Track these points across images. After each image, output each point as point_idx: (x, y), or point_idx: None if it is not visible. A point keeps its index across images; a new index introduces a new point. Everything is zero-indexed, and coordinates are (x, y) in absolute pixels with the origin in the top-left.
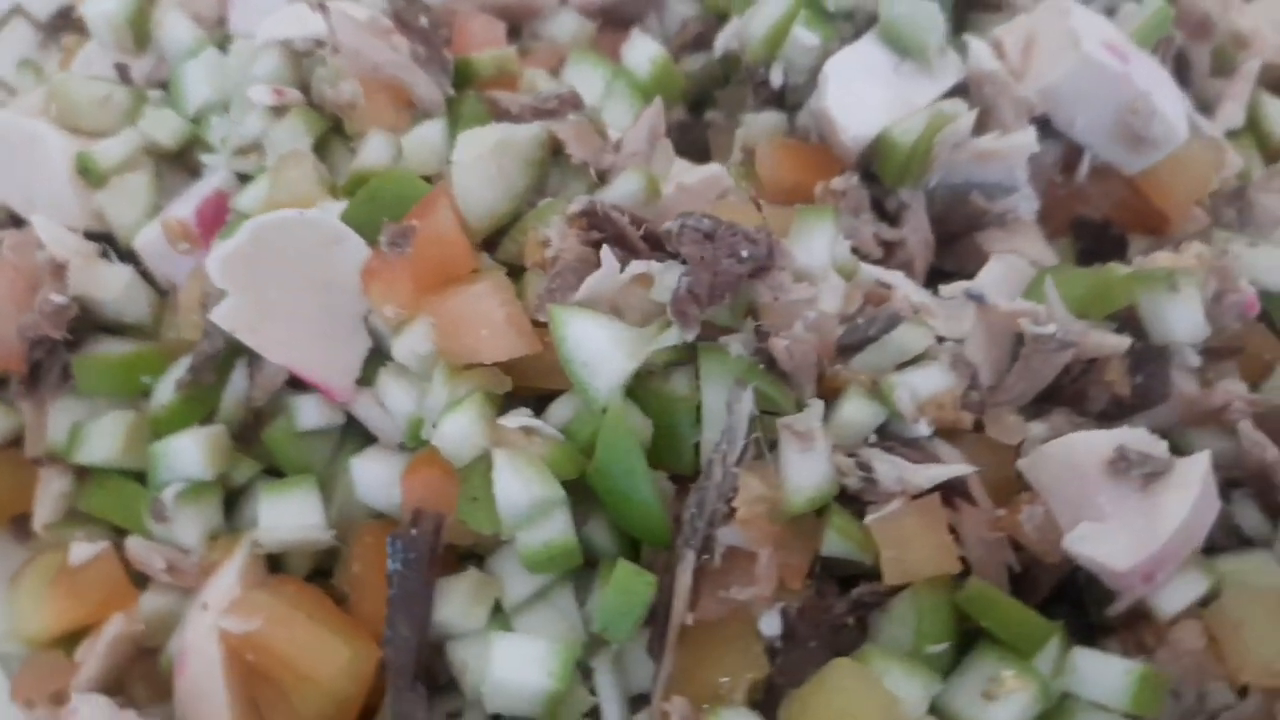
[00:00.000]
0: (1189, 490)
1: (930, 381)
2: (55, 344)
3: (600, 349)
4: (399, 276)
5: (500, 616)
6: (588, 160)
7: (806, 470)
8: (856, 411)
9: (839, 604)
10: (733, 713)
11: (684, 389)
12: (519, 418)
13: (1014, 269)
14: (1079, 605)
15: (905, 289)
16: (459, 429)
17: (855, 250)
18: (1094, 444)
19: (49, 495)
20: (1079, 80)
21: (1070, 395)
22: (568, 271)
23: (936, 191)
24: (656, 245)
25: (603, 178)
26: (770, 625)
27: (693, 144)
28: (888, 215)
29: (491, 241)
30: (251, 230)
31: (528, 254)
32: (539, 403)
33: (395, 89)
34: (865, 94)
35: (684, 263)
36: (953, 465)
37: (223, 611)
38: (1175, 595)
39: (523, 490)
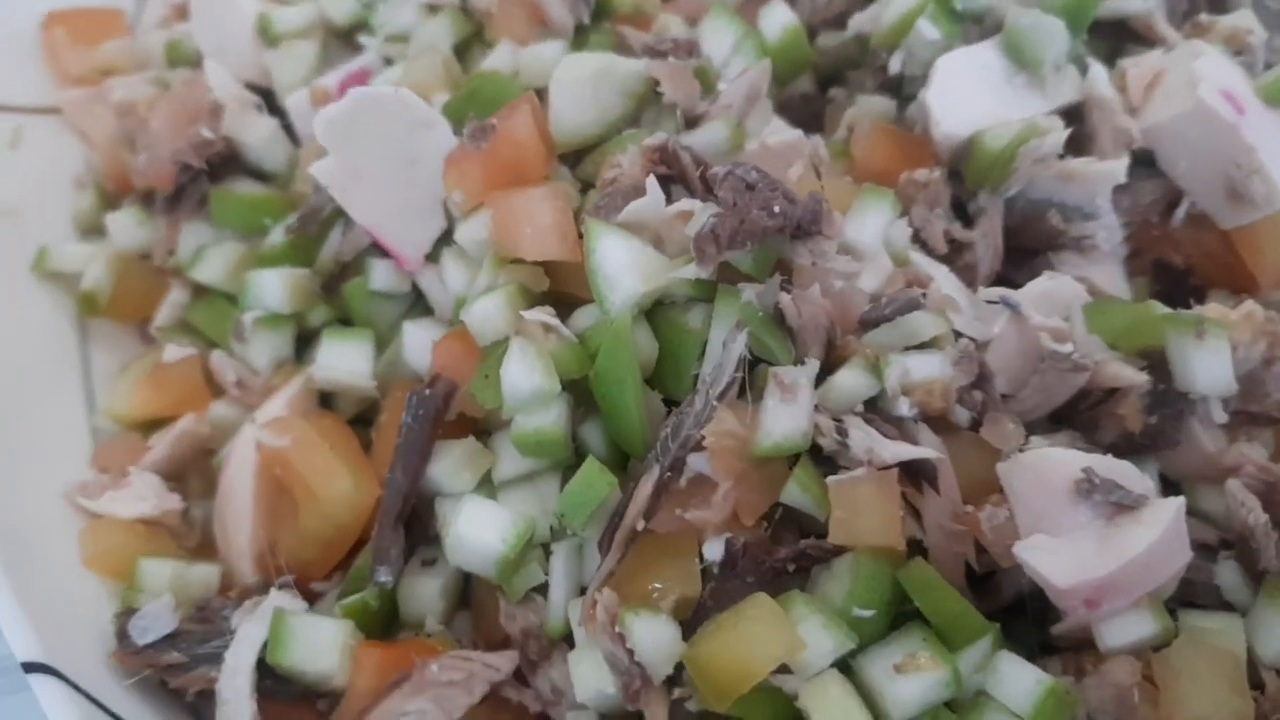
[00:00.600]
0: (1151, 530)
1: (925, 367)
2: (199, 173)
3: (622, 266)
4: (473, 167)
5: (488, 487)
6: (679, 102)
7: (781, 419)
8: (850, 380)
9: (784, 550)
10: (652, 617)
11: (696, 323)
12: (542, 314)
13: (1065, 289)
14: (1042, 623)
15: (944, 282)
16: (486, 311)
17: (922, 242)
18: (1066, 461)
19: (168, 303)
20: (1188, 123)
21: (1083, 421)
22: (619, 194)
23: (1016, 203)
24: (710, 188)
25: (693, 123)
26: (713, 551)
27: (815, 116)
28: (966, 216)
29: (580, 158)
30: (354, 99)
31: (599, 174)
32: (570, 310)
33: (532, 6)
34: (970, 94)
35: (720, 205)
36: (919, 448)
37: (263, 425)
38: (1120, 630)
39: (527, 377)
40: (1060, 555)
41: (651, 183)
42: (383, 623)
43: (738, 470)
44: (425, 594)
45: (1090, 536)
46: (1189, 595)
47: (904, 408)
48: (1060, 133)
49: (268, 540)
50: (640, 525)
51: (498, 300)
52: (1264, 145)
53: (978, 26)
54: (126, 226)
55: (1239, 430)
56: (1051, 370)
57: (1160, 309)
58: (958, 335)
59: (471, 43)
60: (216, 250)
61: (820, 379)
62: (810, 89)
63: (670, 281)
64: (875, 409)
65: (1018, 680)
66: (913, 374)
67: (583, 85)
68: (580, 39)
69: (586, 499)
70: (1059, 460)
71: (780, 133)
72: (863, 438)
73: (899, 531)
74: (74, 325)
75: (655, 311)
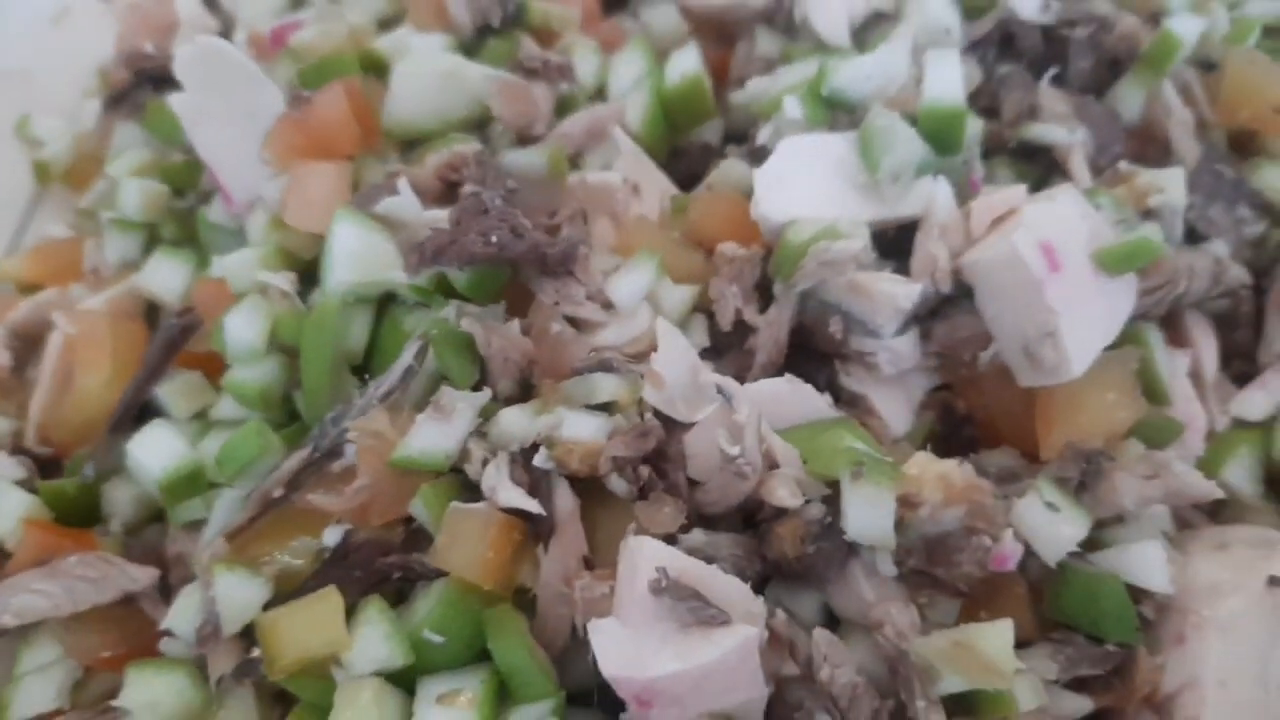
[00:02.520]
0: (712, 650)
1: (578, 428)
2: (142, 81)
3: (349, 254)
4: (287, 133)
5: (204, 423)
6: (505, 119)
7: (424, 435)
8: (512, 419)
9: (394, 557)
10: (245, 576)
11: (410, 325)
12: (280, 278)
13: (791, 394)
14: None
15: (672, 356)
16: (243, 261)
17: (711, 315)
18: (656, 556)
19: (93, 190)
20: (1000, 268)
21: (761, 531)
22: (384, 189)
23: (809, 301)
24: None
25: (526, 142)
26: (331, 536)
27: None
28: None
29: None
30: (204, 46)
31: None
32: None
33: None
34: (803, 182)
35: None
36: (527, 500)
37: (66, 311)
38: None
39: (243, 331)
40: (622, 644)
41: (403, 183)
42: (81, 513)
43: (378, 470)
44: (119, 498)
45: (658, 636)
46: None
47: (542, 459)
48: (858, 241)
49: (50, 412)
50: (278, 493)
51: (254, 255)
52: (1070, 310)
53: (849, 118)
54: (91, 113)
55: (919, 591)
56: (724, 470)
57: (845, 438)
58: (657, 413)
59: (390, 21)
60: (133, 153)
61: None
62: (715, 140)
63: (382, 280)
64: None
65: None
66: (563, 431)
67: (425, 81)
68: (480, 41)
69: (237, 455)
70: (651, 552)
71: (599, 174)
72: (493, 474)
73: (488, 572)
74: (30, 190)
75: (386, 304)
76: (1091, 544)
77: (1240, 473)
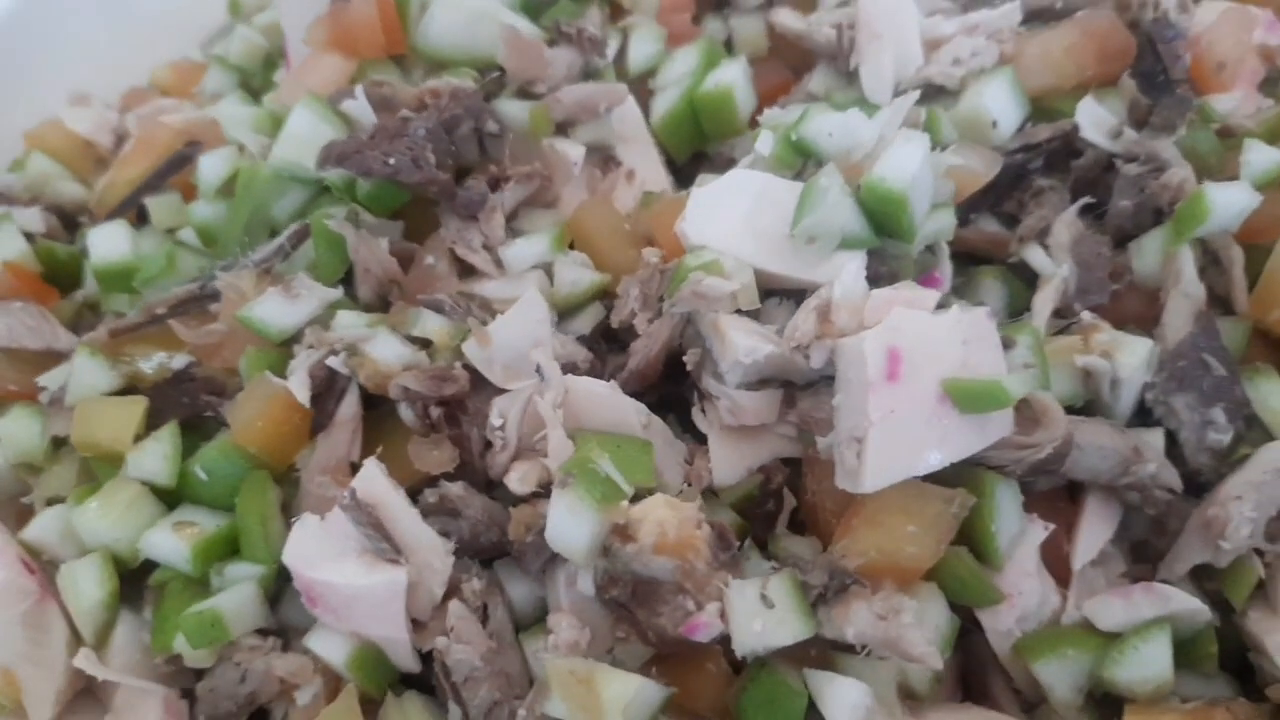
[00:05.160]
0: (365, 579)
1: (385, 349)
2: None
3: (294, 134)
4: (325, 24)
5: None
6: (507, 69)
7: (268, 306)
8: (347, 323)
9: (214, 398)
10: (104, 362)
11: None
12: (250, 137)
13: (610, 401)
14: None
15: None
16: (236, 114)
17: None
18: (363, 476)
19: None
20: (848, 361)
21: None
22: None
23: (689, 328)
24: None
25: (524, 95)
26: (178, 361)
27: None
28: None
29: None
30: None
31: None
32: None
33: None
34: (726, 212)
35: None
36: (300, 388)
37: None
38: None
39: (211, 170)
40: (308, 541)
41: (359, 89)
42: (63, 276)
43: (232, 322)
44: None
45: (338, 547)
46: None
47: (336, 362)
48: (735, 284)
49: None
50: (160, 310)
51: (246, 113)
52: (889, 425)
53: (817, 170)
54: None
55: (619, 624)
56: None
57: (601, 454)
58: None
59: None
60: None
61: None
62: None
63: (301, 166)
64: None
65: None
66: (367, 346)
67: (458, 14)
68: None
69: (149, 269)
70: (365, 474)
71: (564, 145)
72: (300, 360)
73: (255, 438)
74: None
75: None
76: (824, 662)
77: (1059, 675)
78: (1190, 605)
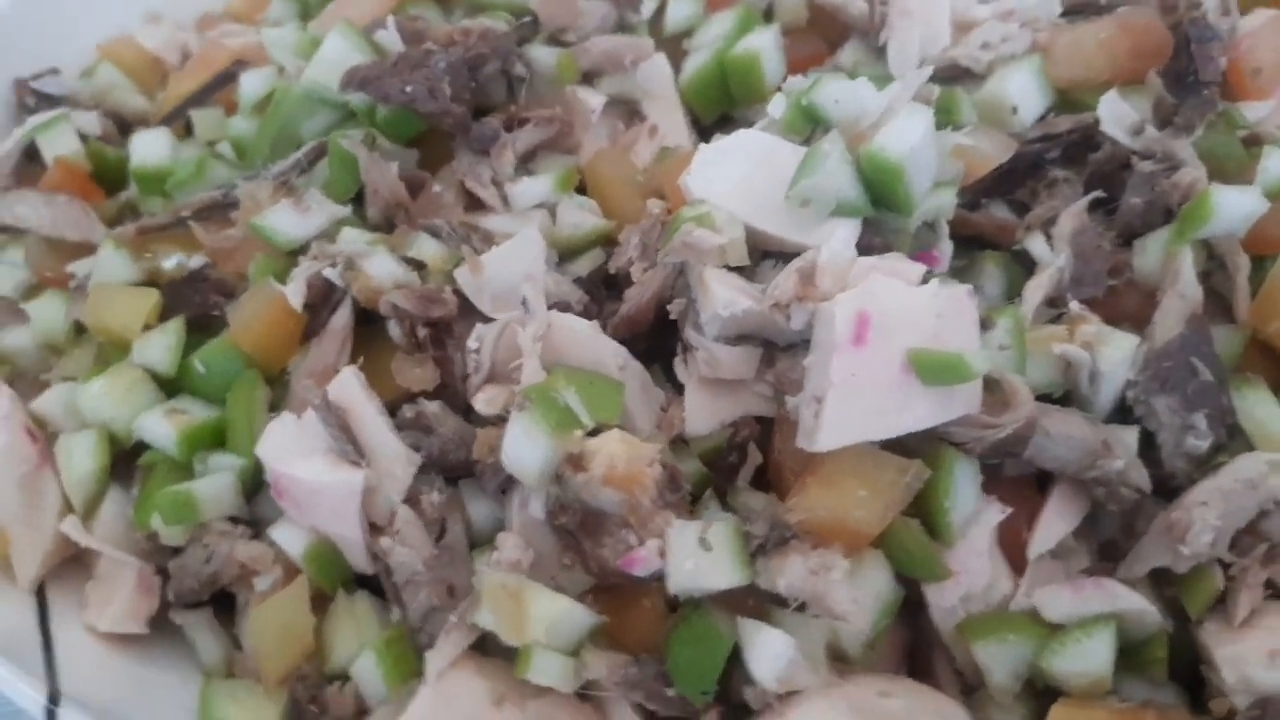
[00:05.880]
0: (324, 477)
1: (379, 267)
2: None
3: (326, 59)
4: None
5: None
6: (540, 14)
7: (278, 216)
8: (350, 239)
9: (223, 299)
10: (127, 255)
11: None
12: (290, 59)
13: (590, 339)
14: None
15: (510, 258)
16: (280, 37)
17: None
18: (340, 382)
19: None
20: (821, 322)
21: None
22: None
23: (680, 279)
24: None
25: (552, 41)
26: (195, 261)
27: None
28: None
29: None
30: None
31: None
32: None
33: None
34: (729, 169)
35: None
36: (294, 293)
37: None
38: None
39: (251, 87)
40: (281, 435)
41: (391, 20)
42: (111, 177)
43: (247, 229)
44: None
45: (308, 445)
46: None
47: (332, 273)
48: (724, 238)
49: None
50: (185, 213)
51: (290, 37)
52: (849, 387)
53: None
54: None
55: (566, 551)
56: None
57: (569, 387)
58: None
59: None
60: None
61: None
62: None
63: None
64: None
65: None
66: (363, 262)
67: None
68: None
69: (181, 173)
70: (342, 379)
71: (586, 94)
72: (302, 269)
73: (249, 338)
74: None
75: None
76: (759, 613)
77: (998, 658)
78: (1138, 606)
